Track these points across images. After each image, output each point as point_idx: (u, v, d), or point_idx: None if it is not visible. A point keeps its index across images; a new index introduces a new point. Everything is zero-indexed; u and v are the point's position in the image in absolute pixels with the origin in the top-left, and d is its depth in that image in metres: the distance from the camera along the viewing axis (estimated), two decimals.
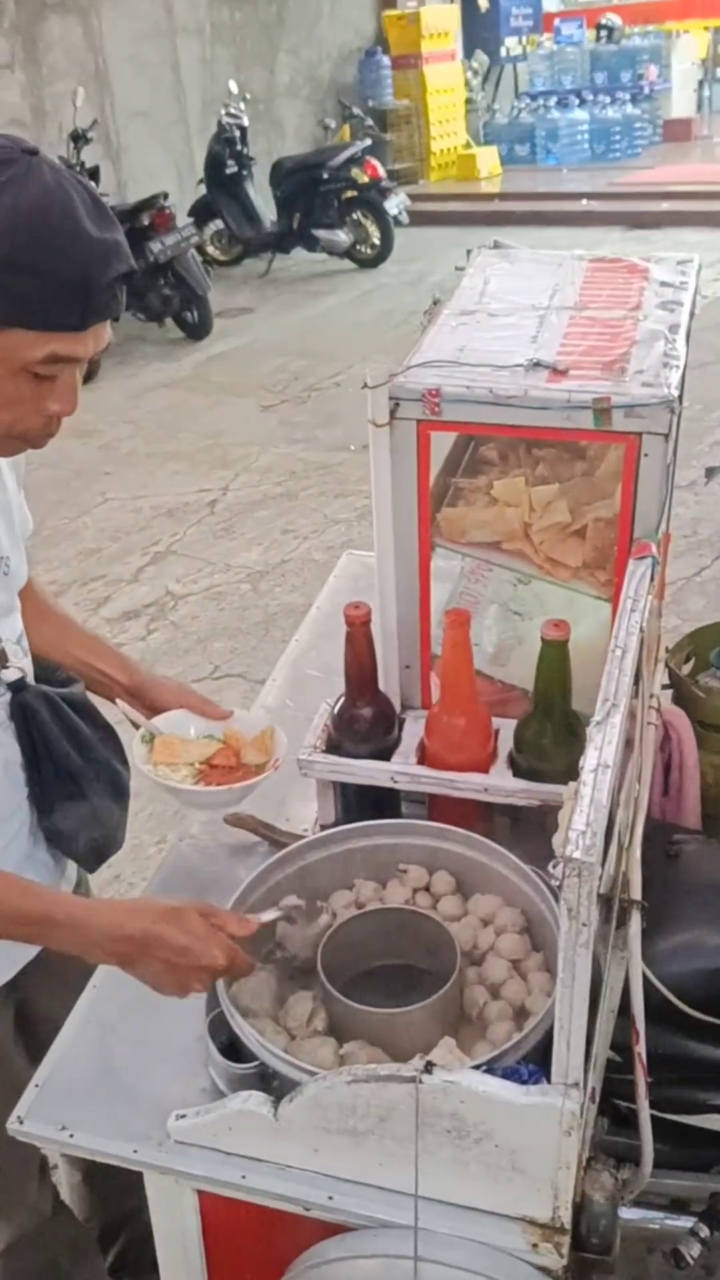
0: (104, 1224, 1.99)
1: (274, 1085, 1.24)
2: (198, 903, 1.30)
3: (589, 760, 1.06)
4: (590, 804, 1.01)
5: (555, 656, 1.40)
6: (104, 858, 1.59)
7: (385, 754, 1.55)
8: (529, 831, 1.55)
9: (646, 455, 1.35)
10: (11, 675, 1.38)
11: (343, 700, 1.56)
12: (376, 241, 9.91)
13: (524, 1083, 1.15)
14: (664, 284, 1.64)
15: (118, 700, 1.59)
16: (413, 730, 1.58)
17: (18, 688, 1.40)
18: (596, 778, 1.04)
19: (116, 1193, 1.95)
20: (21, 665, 1.40)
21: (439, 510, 1.57)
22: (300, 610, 4.40)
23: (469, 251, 1.98)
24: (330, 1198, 1.18)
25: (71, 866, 1.62)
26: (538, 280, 1.72)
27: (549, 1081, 1.15)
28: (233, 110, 9.59)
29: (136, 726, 1.57)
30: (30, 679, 1.43)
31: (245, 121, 9.63)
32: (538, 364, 1.40)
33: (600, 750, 1.07)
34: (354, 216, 9.79)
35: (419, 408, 1.40)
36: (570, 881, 0.97)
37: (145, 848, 3.16)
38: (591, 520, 1.48)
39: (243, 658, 4.19)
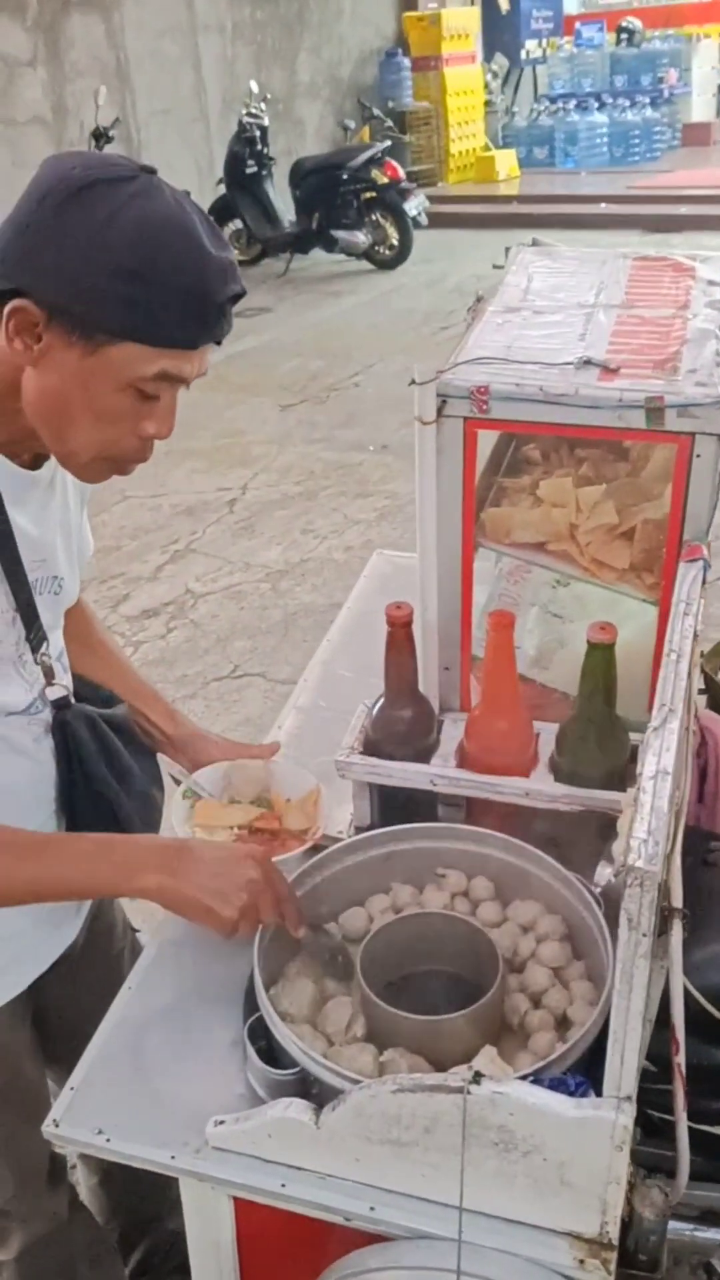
0: (124, 1228, 1.98)
1: (313, 1092, 1.22)
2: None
3: (648, 767, 1.04)
4: (651, 811, 0.98)
5: (601, 659, 1.38)
6: None
7: (424, 756, 1.53)
8: (567, 837, 1.53)
9: (699, 456, 1.33)
10: (56, 693, 1.37)
11: (382, 701, 1.54)
12: (395, 243, 9.92)
13: (571, 1094, 1.13)
14: (711, 283, 1.61)
15: (160, 754, 1.60)
16: (451, 733, 1.56)
17: (61, 705, 1.38)
18: (656, 784, 1.02)
19: (135, 1196, 1.94)
20: (65, 683, 1.39)
21: (482, 510, 1.55)
22: (320, 610, 4.41)
23: (508, 249, 1.95)
24: (372, 1208, 1.16)
25: None
26: (582, 278, 1.69)
27: (596, 1093, 1.13)
28: (253, 110, 9.60)
29: (177, 782, 1.58)
30: (72, 697, 1.42)
31: (266, 121, 9.65)
32: (588, 362, 1.38)
33: (659, 756, 1.05)
34: (373, 217, 9.80)
35: (467, 405, 1.38)
36: (632, 890, 0.95)
37: None
38: (640, 522, 1.46)
39: (262, 657, 4.17)
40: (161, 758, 1.60)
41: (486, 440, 1.62)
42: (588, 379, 1.36)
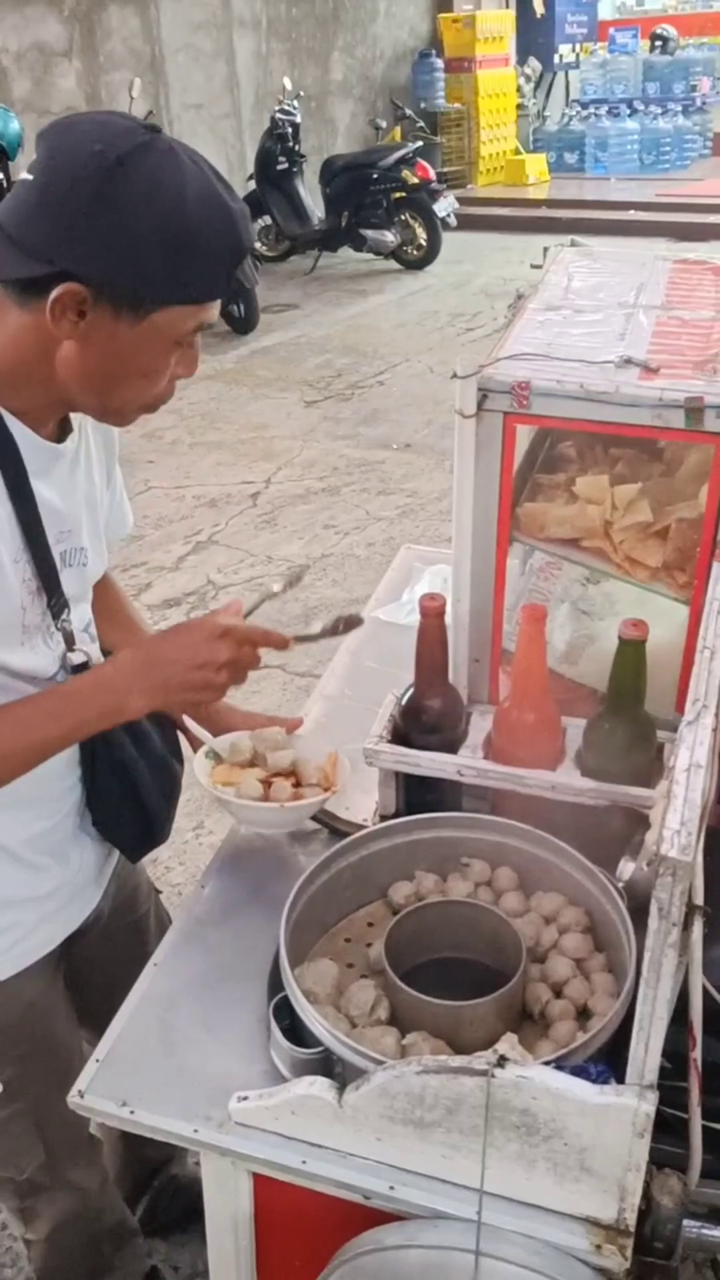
0: (136, 1178, 2.02)
1: (336, 1072, 1.23)
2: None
3: (681, 759, 1.05)
4: (684, 803, 1.00)
5: (632, 656, 1.39)
6: (148, 849, 1.60)
7: (451, 747, 1.54)
8: (590, 831, 1.54)
9: None
10: (77, 659, 1.39)
11: (411, 691, 1.55)
12: (423, 243, 9.92)
13: (593, 1082, 1.14)
14: None
15: (184, 717, 1.63)
16: (479, 725, 1.57)
17: (81, 670, 1.40)
18: (689, 777, 1.03)
19: (146, 1144, 1.96)
20: (88, 650, 1.41)
21: (517, 505, 1.56)
22: (341, 605, 4.42)
23: (546, 249, 1.97)
24: (391, 1187, 1.18)
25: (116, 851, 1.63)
26: (622, 279, 1.71)
27: (617, 1082, 1.14)
28: (286, 106, 9.61)
29: (195, 748, 1.62)
30: (92, 664, 1.43)
31: (298, 118, 9.65)
32: (629, 361, 1.39)
33: (692, 750, 1.06)
34: (402, 217, 9.80)
35: (507, 400, 1.39)
36: (664, 880, 0.96)
37: (183, 833, 3.16)
38: (674, 521, 1.47)
39: (285, 653, 4.17)
40: (187, 720, 1.63)
41: (523, 436, 1.63)
42: (628, 378, 1.37)
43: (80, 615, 1.42)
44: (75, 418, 1.34)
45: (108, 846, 1.59)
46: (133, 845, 1.58)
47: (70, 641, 1.38)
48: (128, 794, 1.50)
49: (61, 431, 1.32)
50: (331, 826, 1.63)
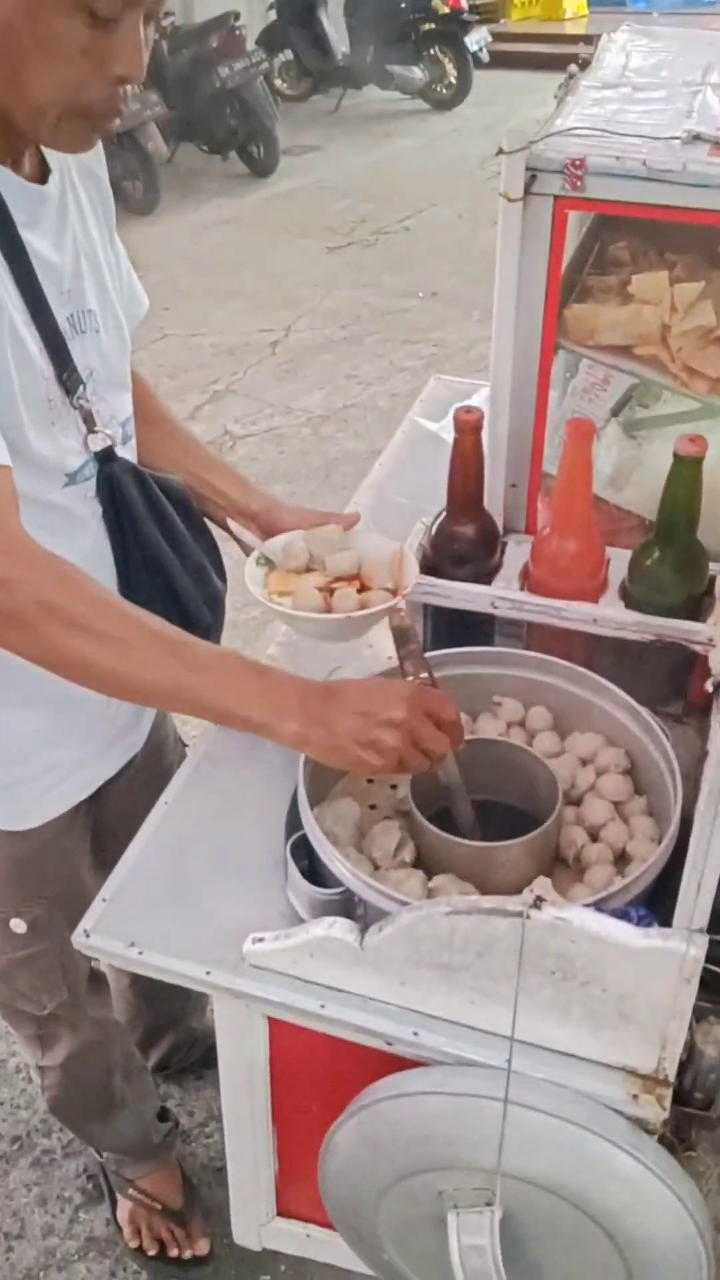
0: (147, 1027, 2.01)
1: (357, 915, 1.16)
2: None
3: None
4: None
5: (687, 475, 1.26)
6: None
7: (485, 578, 1.43)
8: (633, 670, 1.43)
9: None
10: (99, 443, 1.23)
11: (442, 518, 1.43)
12: (453, 81, 9.40)
13: (636, 926, 1.06)
14: None
15: (229, 521, 1.44)
16: (515, 555, 1.46)
17: (105, 457, 1.25)
18: None
19: (161, 997, 1.96)
20: (112, 434, 1.25)
21: (565, 307, 1.41)
22: (362, 457, 4.27)
23: (600, 36, 1.77)
24: (415, 1033, 1.11)
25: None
26: (686, 58, 1.52)
27: (660, 926, 1.06)
28: None
29: (247, 553, 1.41)
30: (118, 449, 1.28)
31: None
32: (697, 137, 1.23)
33: None
34: (431, 52, 9.25)
35: (558, 181, 1.23)
36: None
37: None
38: None
39: (301, 502, 4.02)
40: (232, 523, 1.45)
41: (571, 231, 1.47)
42: (697, 154, 1.21)
43: (112, 405, 1.27)
44: (54, 160, 1.17)
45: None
46: None
47: (90, 422, 1.22)
48: (170, 603, 1.34)
49: (42, 174, 1.16)
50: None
